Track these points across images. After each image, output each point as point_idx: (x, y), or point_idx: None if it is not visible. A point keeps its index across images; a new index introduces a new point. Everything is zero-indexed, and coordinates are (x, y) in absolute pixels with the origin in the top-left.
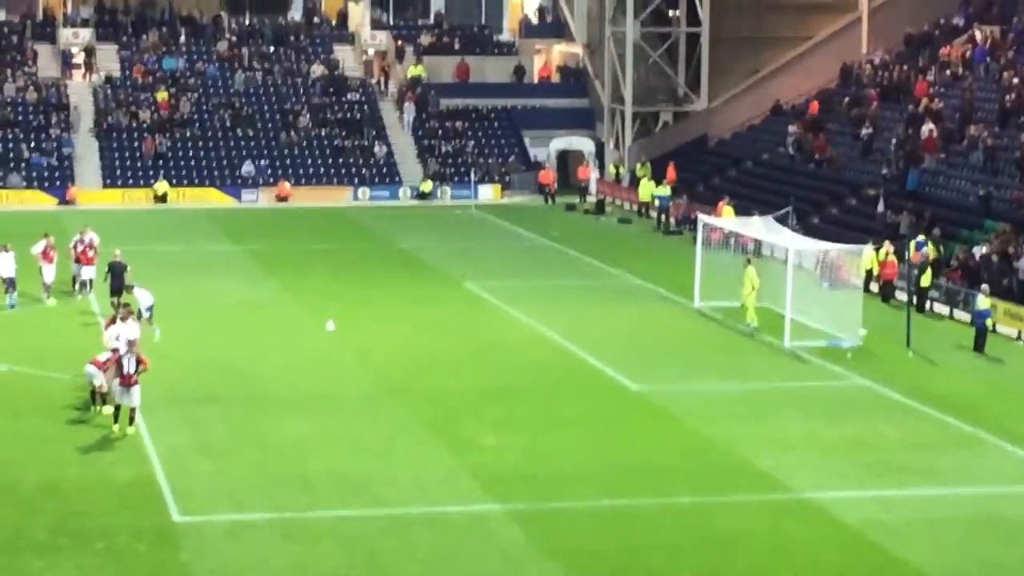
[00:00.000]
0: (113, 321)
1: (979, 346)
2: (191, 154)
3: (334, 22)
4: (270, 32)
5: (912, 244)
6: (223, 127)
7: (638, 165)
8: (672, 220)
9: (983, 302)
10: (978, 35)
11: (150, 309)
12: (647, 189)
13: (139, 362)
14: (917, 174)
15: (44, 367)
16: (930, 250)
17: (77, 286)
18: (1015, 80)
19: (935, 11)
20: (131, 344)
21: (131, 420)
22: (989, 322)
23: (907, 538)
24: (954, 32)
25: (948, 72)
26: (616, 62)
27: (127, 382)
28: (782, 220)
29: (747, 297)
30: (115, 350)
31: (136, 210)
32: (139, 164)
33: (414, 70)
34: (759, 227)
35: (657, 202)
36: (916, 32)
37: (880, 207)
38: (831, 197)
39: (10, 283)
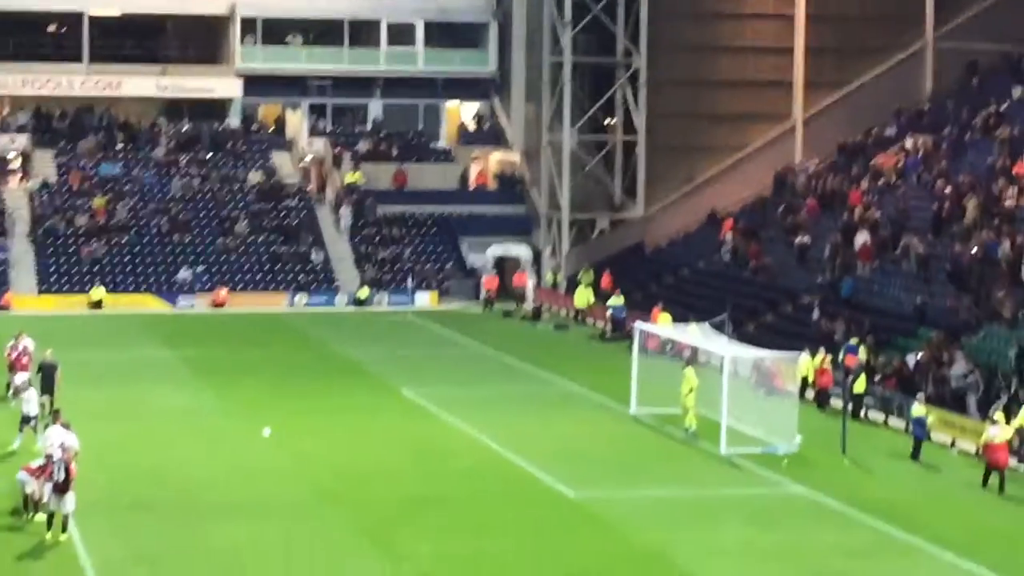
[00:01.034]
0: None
1: (915, 454)
2: (127, 260)
3: (272, 129)
4: (208, 138)
5: (844, 349)
6: (160, 233)
7: (581, 271)
8: (616, 329)
9: (918, 409)
10: (910, 144)
11: (34, 419)
12: (584, 296)
13: (67, 471)
14: (851, 282)
15: None
16: (863, 352)
17: (11, 392)
18: (948, 189)
19: (868, 121)
20: (65, 450)
21: (64, 527)
22: (928, 428)
23: None
24: (887, 142)
25: (881, 181)
26: (553, 169)
27: (60, 489)
28: (719, 327)
29: (686, 398)
30: (49, 456)
31: (71, 316)
32: (75, 270)
33: (351, 176)
34: (696, 334)
35: (610, 311)
36: (849, 141)
37: (815, 315)
38: (767, 304)
39: None
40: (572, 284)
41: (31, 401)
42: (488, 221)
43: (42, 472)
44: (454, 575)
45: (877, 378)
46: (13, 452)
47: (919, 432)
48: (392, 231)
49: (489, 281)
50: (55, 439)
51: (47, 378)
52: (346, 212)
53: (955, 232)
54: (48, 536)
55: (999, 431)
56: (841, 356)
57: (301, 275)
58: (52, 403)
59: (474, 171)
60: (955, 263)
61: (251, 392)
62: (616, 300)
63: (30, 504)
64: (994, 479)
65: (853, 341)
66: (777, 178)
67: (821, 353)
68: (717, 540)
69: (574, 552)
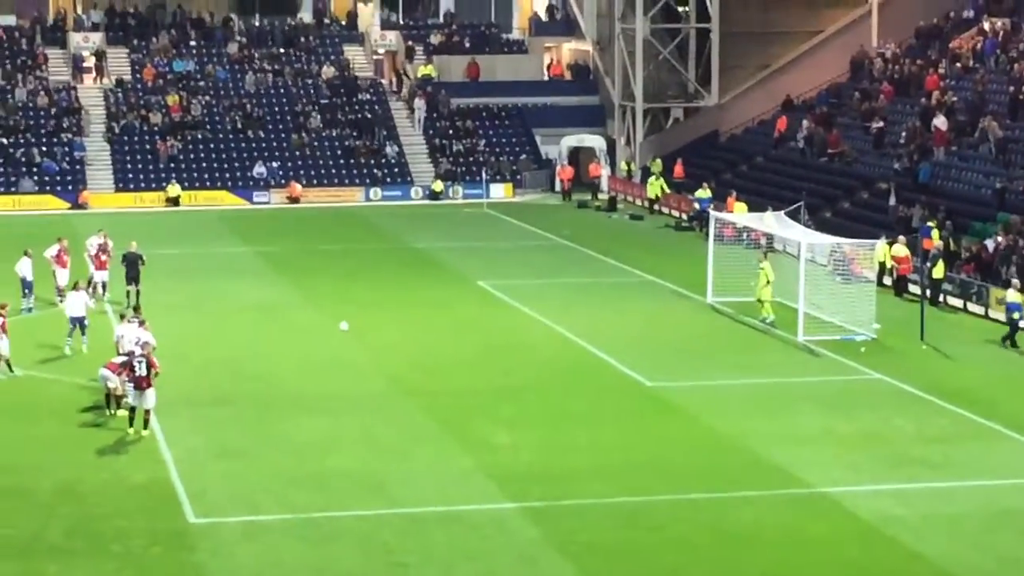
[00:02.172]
0: (126, 322)
1: (1011, 340)
2: (202, 156)
3: (344, 23)
4: (280, 33)
5: (920, 233)
6: (234, 129)
7: (649, 161)
8: (697, 221)
9: (1013, 296)
10: (988, 27)
11: (78, 319)
12: (656, 186)
13: (150, 365)
14: (929, 167)
15: (59, 371)
16: (935, 235)
17: (91, 289)
18: None
19: (945, 4)
20: (144, 347)
21: (146, 423)
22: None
23: (923, 533)
24: (964, 24)
25: (959, 65)
26: (626, 59)
27: (140, 385)
28: (794, 215)
29: (762, 291)
30: (129, 353)
31: (148, 213)
32: (151, 167)
33: (424, 69)
34: (771, 222)
35: (698, 205)
36: (926, 25)
37: (892, 200)
38: (843, 191)
39: (28, 287)
40: (646, 174)
41: (77, 304)
42: (562, 112)
43: (124, 369)
44: (531, 464)
45: (956, 264)
46: (69, 355)
47: (1015, 319)
48: (466, 123)
49: (564, 172)
50: (131, 335)
51: (132, 268)
52: (420, 105)
53: None
54: (130, 432)
55: None
56: (920, 242)
57: (375, 169)
58: (138, 293)
59: (547, 62)
60: None
61: (327, 286)
62: (703, 193)
63: (112, 401)
64: None
65: (929, 224)
66: (853, 63)
67: (901, 240)
68: (795, 428)
69: (650, 440)
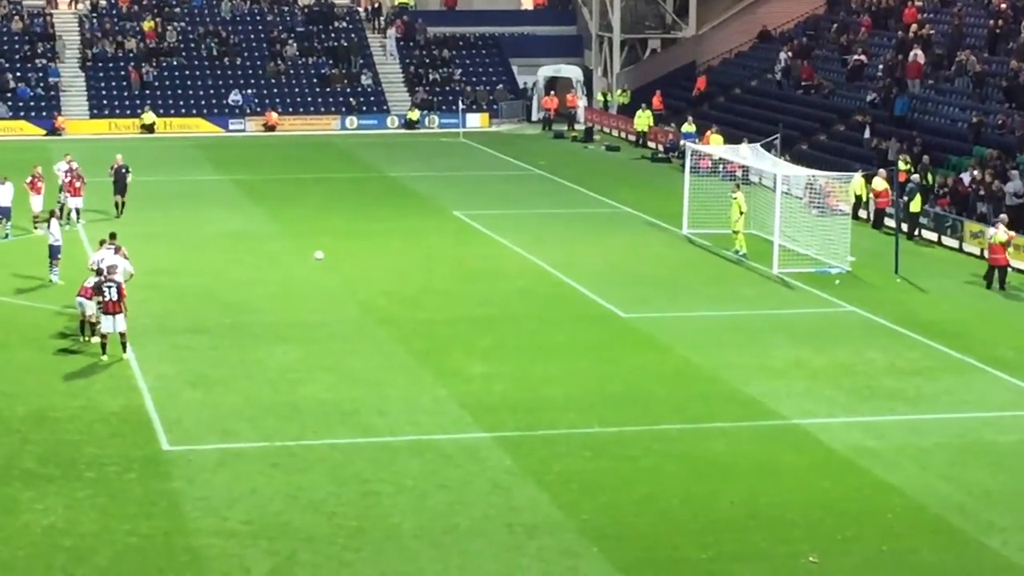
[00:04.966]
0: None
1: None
2: (178, 84)
3: None
4: None
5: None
6: (210, 56)
7: (618, 92)
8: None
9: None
10: None
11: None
12: (644, 119)
13: (119, 291)
14: (906, 100)
15: (32, 298)
16: (901, 164)
17: (64, 215)
18: (1004, 5)
19: None
20: (110, 271)
21: (124, 347)
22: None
23: (896, 464)
24: None
25: None
26: None
27: (109, 309)
28: (769, 147)
29: (735, 223)
30: (99, 273)
31: (123, 139)
32: (126, 94)
33: None
34: (747, 154)
35: (683, 141)
36: None
37: (867, 133)
38: (819, 124)
39: (5, 213)
40: (619, 106)
41: (55, 233)
42: (539, 42)
43: (96, 292)
44: (505, 394)
45: (932, 198)
46: (53, 284)
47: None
48: (442, 52)
49: (548, 101)
50: (109, 262)
51: (120, 179)
52: (391, 34)
53: (1012, 49)
54: (103, 359)
55: None
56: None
57: (351, 98)
58: (124, 204)
59: None
60: (1011, 80)
61: (303, 215)
62: (688, 127)
63: (87, 327)
64: None
65: (902, 157)
66: None
67: (880, 174)
68: (769, 360)
69: (624, 371)
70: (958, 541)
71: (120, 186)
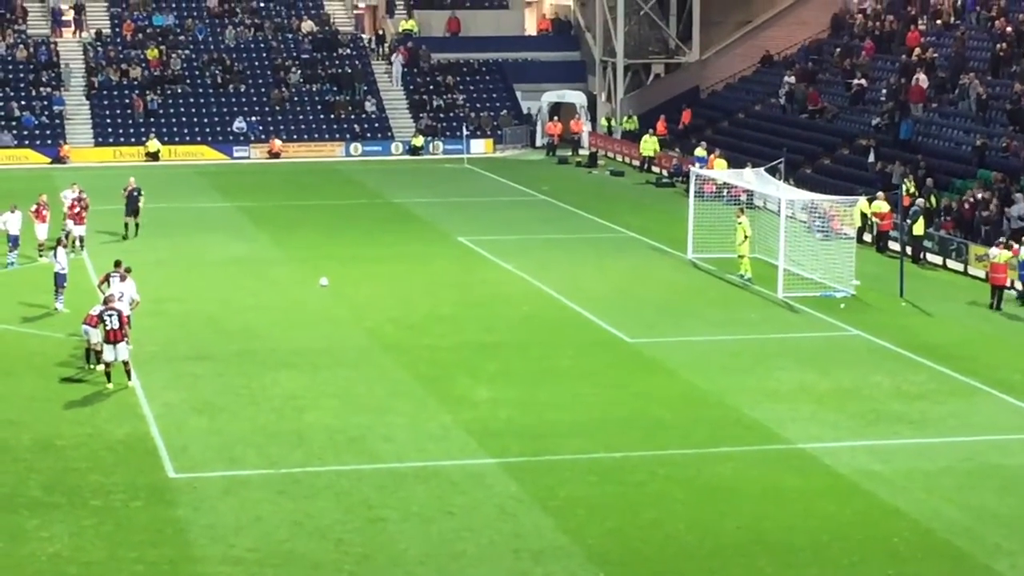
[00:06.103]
0: (106, 279)
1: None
2: (182, 111)
3: None
4: None
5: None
6: (214, 84)
7: (624, 118)
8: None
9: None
10: None
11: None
12: (650, 144)
13: (121, 320)
14: (909, 124)
15: (38, 326)
16: (905, 186)
17: (70, 243)
18: (1007, 28)
19: None
20: (107, 300)
21: (128, 375)
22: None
23: (902, 488)
24: None
25: (939, 21)
26: (607, 14)
27: (110, 339)
28: (774, 171)
29: (740, 247)
30: (107, 301)
31: (128, 167)
32: (130, 122)
33: (405, 24)
34: (751, 178)
35: (698, 164)
36: None
37: (872, 157)
38: (823, 148)
39: (14, 241)
40: (625, 131)
41: (61, 261)
42: (542, 67)
43: (100, 321)
44: (510, 420)
45: (936, 221)
46: (58, 312)
47: None
48: (446, 78)
49: (552, 127)
50: (115, 289)
51: (132, 201)
52: (397, 59)
53: (1015, 72)
54: (108, 387)
55: None
56: (900, 198)
57: (355, 124)
58: (137, 226)
59: (528, 17)
60: (1015, 103)
61: (308, 241)
62: (701, 152)
63: (92, 355)
64: None
65: (906, 180)
66: (834, 20)
67: (881, 197)
68: (774, 384)
69: (630, 396)
70: (966, 565)
71: (132, 208)
